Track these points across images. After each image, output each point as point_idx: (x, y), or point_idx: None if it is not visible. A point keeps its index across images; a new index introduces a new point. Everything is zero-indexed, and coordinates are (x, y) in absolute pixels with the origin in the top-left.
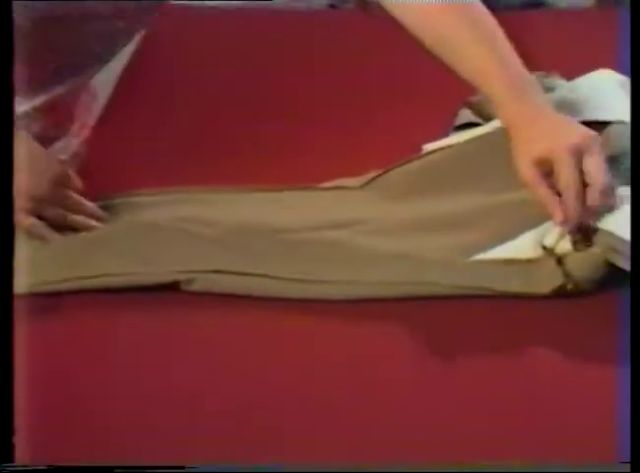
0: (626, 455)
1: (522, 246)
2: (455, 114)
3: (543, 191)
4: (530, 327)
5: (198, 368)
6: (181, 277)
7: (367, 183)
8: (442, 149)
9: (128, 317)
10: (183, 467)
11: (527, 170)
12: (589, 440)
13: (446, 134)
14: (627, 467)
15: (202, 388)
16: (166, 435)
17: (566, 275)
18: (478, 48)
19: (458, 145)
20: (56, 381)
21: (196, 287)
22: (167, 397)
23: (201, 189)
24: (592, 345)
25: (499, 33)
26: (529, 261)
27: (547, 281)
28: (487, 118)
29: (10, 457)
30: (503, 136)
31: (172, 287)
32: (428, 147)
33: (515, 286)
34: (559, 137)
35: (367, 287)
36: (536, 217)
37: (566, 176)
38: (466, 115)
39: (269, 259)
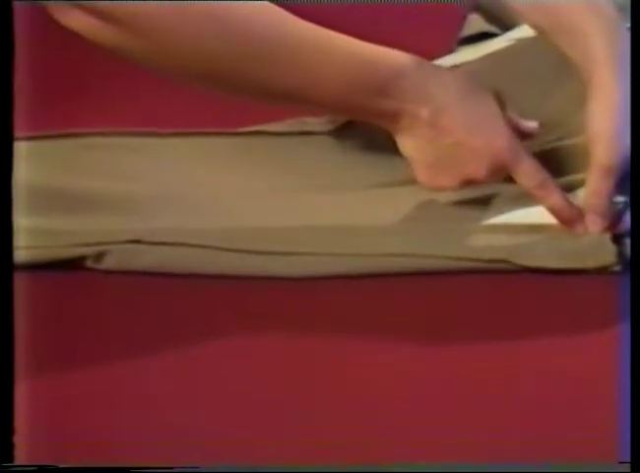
0: (626, 455)
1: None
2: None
3: (607, 188)
4: (528, 318)
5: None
6: (87, 251)
7: (341, 128)
8: None
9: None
10: (172, 468)
11: (606, 153)
12: (589, 440)
13: (451, 49)
14: (627, 467)
15: (189, 387)
16: (166, 435)
17: (619, 252)
18: None
19: (467, 64)
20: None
21: (108, 263)
22: (166, 397)
23: (110, 132)
24: (592, 343)
25: None
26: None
27: (593, 256)
28: (506, 26)
29: (10, 457)
30: (530, 50)
31: (76, 264)
32: None
33: (543, 260)
34: None
35: (351, 260)
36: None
37: None
38: (476, 23)
39: (212, 225)
